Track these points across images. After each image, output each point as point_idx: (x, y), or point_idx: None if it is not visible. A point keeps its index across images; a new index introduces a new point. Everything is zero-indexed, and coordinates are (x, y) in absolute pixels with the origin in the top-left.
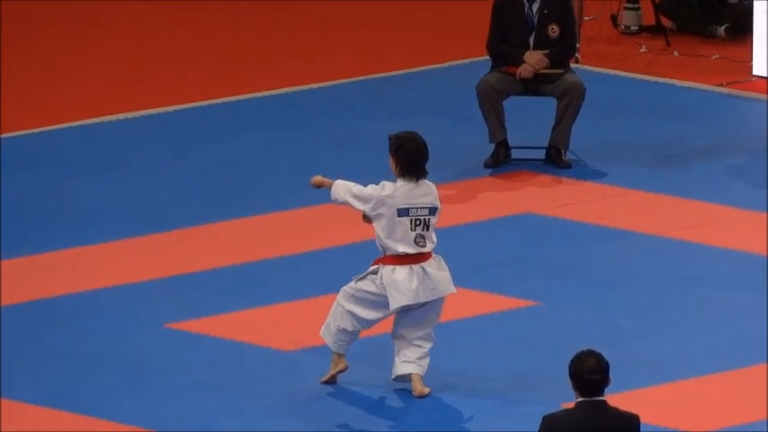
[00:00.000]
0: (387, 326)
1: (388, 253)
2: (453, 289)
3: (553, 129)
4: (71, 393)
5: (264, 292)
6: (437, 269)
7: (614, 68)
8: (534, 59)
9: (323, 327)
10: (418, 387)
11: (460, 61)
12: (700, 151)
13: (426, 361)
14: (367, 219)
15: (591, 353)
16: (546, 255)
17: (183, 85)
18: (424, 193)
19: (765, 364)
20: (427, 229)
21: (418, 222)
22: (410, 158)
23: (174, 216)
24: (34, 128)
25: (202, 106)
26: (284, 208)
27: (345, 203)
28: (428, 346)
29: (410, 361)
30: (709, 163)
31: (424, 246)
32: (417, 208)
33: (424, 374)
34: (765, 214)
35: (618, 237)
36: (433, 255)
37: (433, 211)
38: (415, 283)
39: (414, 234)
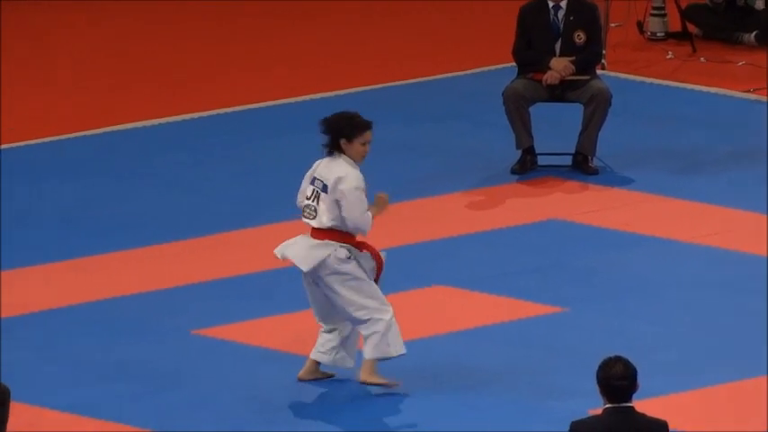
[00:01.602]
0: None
1: None
2: (302, 267)
3: (580, 135)
4: (97, 400)
5: (292, 298)
6: (311, 245)
7: (640, 75)
8: (560, 66)
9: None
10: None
11: (487, 68)
12: (726, 158)
13: (337, 348)
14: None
15: (618, 359)
16: (572, 261)
17: (209, 92)
18: (331, 169)
19: None
20: (317, 203)
21: (315, 194)
22: (325, 134)
23: (203, 222)
24: (59, 135)
25: (228, 113)
26: None
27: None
28: (337, 330)
29: (321, 351)
30: (735, 169)
31: (309, 217)
32: (319, 180)
33: (328, 362)
34: None
35: (644, 243)
36: (325, 240)
37: (325, 188)
38: (299, 243)
39: (306, 202)
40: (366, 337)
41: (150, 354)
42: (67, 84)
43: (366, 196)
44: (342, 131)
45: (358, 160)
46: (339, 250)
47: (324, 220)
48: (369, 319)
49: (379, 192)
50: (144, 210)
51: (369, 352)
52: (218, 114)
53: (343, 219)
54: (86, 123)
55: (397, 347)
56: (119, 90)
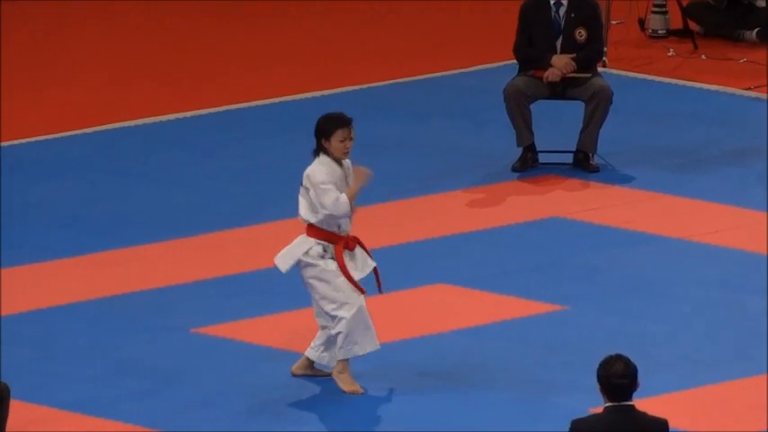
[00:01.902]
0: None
1: None
2: (279, 268)
3: (581, 133)
4: (97, 398)
5: (292, 296)
6: (291, 245)
7: (642, 72)
8: (561, 63)
9: None
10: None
11: (488, 65)
12: (727, 155)
13: (323, 346)
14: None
15: (619, 357)
16: (573, 259)
17: (209, 89)
18: (308, 168)
19: None
20: (300, 198)
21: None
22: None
23: (201, 220)
24: (59, 132)
25: (228, 110)
26: None
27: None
28: (327, 328)
29: (311, 347)
30: (736, 167)
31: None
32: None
33: (317, 360)
34: None
35: (645, 241)
36: (303, 236)
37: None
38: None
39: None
40: (335, 336)
41: (150, 352)
42: (66, 82)
43: (344, 188)
44: (321, 131)
45: (340, 157)
46: (315, 248)
47: (302, 214)
48: (336, 316)
49: (359, 167)
50: (143, 208)
51: (337, 352)
52: (218, 112)
53: (319, 214)
54: (85, 121)
55: (364, 345)
56: (117, 88)
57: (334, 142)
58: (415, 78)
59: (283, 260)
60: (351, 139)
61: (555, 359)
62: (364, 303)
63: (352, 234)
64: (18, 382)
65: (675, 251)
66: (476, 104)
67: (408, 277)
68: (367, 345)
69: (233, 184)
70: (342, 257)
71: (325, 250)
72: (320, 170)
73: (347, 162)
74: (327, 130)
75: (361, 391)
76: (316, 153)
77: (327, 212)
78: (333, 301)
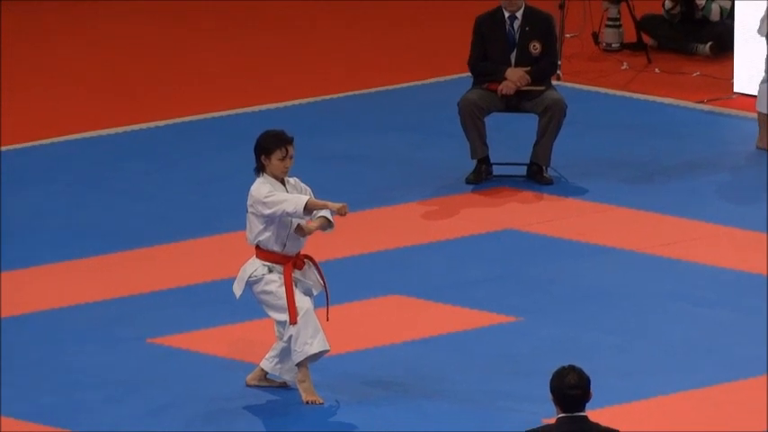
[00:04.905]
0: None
1: None
2: (235, 294)
3: (534, 145)
4: (54, 409)
5: (248, 307)
6: (242, 268)
7: (595, 85)
8: (516, 76)
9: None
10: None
11: (442, 78)
12: (680, 168)
13: (277, 357)
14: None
15: (572, 368)
16: (527, 271)
17: (167, 101)
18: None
19: (742, 381)
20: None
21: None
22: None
23: (158, 231)
24: (15, 144)
25: (185, 122)
26: None
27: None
28: (279, 343)
29: (266, 358)
30: (689, 179)
31: None
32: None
33: (270, 370)
34: (743, 231)
35: (598, 253)
36: (252, 257)
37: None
38: None
39: None
40: (289, 345)
41: (106, 362)
42: (23, 93)
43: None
44: (261, 149)
45: (279, 176)
46: (260, 268)
47: (249, 236)
48: (285, 321)
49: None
50: (100, 218)
51: (293, 357)
52: (174, 123)
53: (268, 236)
54: (42, 132)
55: (314, 345)
56: (72, 99)
57: (274, 161)
58: (369, 91)
59: (237, 286)
60: (290, 157)
61: (508, 370)
62: (311, 306)
63: (304, 252)
64: None
65: (628, 263)
66: (430, 117)
67: (362, 288)
68: (317, 344)
69: (190, 195)
70: (290, 280)
71: (270, 271)
72: (263, 187)
73: (294, 181)
74: (267, 148)
75: (321, 401)
76: (257, 171)
77: (282, 209)
78: (280, 310)
